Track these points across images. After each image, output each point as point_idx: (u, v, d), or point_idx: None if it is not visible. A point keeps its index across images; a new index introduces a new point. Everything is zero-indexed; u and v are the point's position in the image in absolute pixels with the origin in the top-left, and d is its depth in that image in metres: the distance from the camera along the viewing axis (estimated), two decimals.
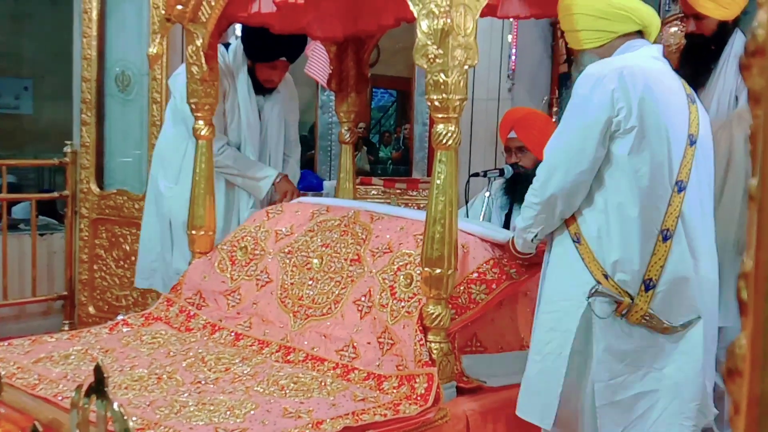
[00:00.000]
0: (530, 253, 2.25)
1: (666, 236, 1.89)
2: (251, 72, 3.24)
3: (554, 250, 2.05)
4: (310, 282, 2.57)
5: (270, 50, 3.15)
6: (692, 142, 1.94)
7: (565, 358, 1.95)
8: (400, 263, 2.38)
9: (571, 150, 1.93)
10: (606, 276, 1.90)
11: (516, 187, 2.88)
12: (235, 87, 3.21)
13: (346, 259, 2.52)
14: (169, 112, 3.39)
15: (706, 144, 2.01)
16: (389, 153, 8.49)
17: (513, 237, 2.23)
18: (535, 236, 2.09)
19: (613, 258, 1.90)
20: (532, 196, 2.01)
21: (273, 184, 3.24)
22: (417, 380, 2.07)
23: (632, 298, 1.89)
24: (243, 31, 3.17)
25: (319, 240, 2.67)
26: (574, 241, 1.97)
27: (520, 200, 2.16)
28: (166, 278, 3.28)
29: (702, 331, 1.96)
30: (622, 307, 1.89)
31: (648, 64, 1.96)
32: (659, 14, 3.81)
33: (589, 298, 1.90)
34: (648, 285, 1.90)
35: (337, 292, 2.47)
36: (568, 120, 1.97)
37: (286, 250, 2.71)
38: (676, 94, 1.97)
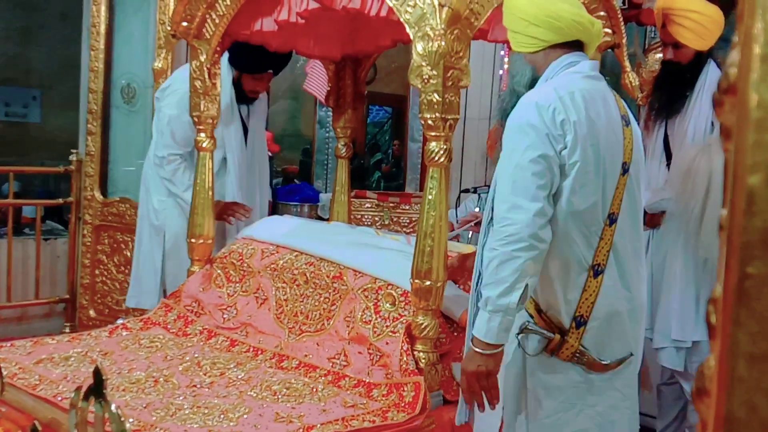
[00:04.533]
0: (499, 346, 1.76)
1: (597, 271, 1.78)
2: (236, 83, 3.26)
3: None
4: (302, 298, 2.61)
5: (259, 63, 3.19)
6: (625, 170, 1.84)
7: (501, 395, 1.86)
8: (382, 282, 2.42)
9: (532, 179, 1.71)
10: (539, 311, 1.82)
11: None
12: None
13: (328, 276, 2.56)
14: (155, 131, 3.36)
15: (639, 166, 1.91)
16: (380, 168, 8.52)
17: (473, 335, 1.78)
18: (522, 293, 1.70)
19: (544, 293, 1.81)
20: (505, 246, 1.69)
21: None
22: (405, 389, 2.11)
23: (563, 335, 1.80)
24: (231, 43, 3.21)
25: (303, 259, 2.71)
26: None
27: None
28: (160, 296, 3.28)
29: (635, 368, 1.90)
30: (552, 344, 1.80)
31: (585, 87, 1.82)
32: (644, 41, 3.88)
33: (518, 335, 1.81)
34: (579, 321, 1.79)
35: (328, 308, 2.51)
36: (515, 148, 1.74)
37: (272, 267, 2.76)
38: (613, 120, 1.84)
